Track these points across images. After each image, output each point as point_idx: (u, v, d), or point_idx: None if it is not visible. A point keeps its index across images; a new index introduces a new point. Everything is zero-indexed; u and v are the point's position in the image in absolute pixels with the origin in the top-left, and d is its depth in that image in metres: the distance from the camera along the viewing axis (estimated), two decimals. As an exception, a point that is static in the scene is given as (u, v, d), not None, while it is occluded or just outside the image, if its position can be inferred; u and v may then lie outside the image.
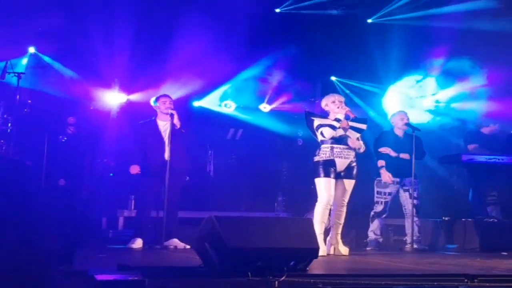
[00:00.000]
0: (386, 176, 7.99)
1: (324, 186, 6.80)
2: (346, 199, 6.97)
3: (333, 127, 6.81)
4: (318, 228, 6.60)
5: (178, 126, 7.29)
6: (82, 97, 9.27)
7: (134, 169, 7.35)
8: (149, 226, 7.70)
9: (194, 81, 9.98)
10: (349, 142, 6.93)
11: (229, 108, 10.93)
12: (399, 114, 8.40)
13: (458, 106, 10.63)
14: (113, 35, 9.19)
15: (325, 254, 6.65)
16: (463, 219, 8.45)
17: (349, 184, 6.96)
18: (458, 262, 6.16)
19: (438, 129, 10.33)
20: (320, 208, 6.79)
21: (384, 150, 8.09)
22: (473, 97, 10.39)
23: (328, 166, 6.82)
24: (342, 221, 6.99)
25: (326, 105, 7.06)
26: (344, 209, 6.97)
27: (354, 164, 6.97)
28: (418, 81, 10.71)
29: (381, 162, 8.08)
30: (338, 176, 6.89)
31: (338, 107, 6.90)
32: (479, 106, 10.17)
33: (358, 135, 7.00)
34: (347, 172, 6.94)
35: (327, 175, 6.80)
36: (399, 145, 8.14)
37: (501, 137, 9.12)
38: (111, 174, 7.46)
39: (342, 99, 7.07)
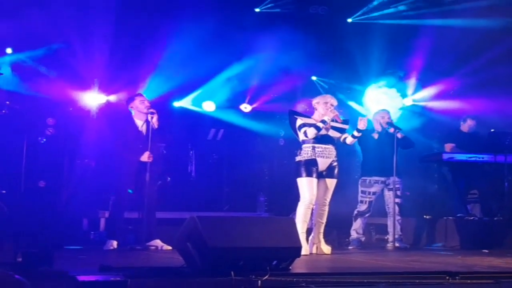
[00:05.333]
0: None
1: (306, 186, 6.81)
2: (328, 198, 6.98)
3: (317, 128, 6.82)
4: (300, 227, 6.61)
5: (156, 126, 7.24)
6: (61, 98, 9.17)
7: (145, 156, 7.26)
8: (128, 227, 7.64)
9: (174, 81, 9.94)
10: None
11: (209, 108, 10.88)
12: (380, 113, 8.42)
13: (435, 105, 10.70)
14: (92, 36, 9.11)
15: (307, 253, 6.66)
16: (444, 218, 8.51)
17: (331, 183, 6.97)
18: (440, 260, 6.20)
19: (417, 128, 10.36)
20: (303, 207, 6.81)
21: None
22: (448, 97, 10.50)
23: (310, 166, 6.84)
24: (324, 220, 7.00)
25: (318, 103, 7.05)
26: (326, 208, 6.99)
27: (335, 163, 6.99)
28: (396, 81, 10.74)
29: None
30: (320, 176, 6.91)
31: (327, 109, 6.91)
32: (455, 105, 10.27)
33: (339, 135, 7.03)
34: (329, 172, 6.96)
35: (309, 174, 6.82)
36: (380, 143, 8.15)
37: (481, 135, 9.18)
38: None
39: (335, 103, 7.03)
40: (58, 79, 9.01)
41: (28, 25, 8.71)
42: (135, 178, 7.28)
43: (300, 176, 6.86)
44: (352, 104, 10.79)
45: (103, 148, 7.87)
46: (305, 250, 6.42)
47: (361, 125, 6.97)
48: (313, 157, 6.86)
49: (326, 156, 6.91)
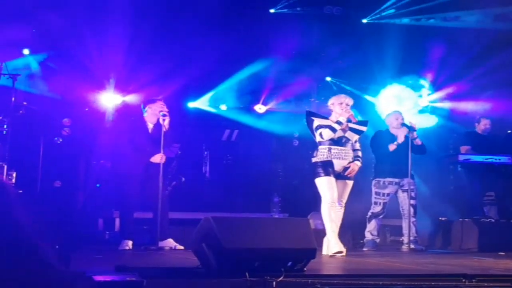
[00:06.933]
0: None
1: (326, 185, 6.74)
2: (344, 200, 6.94)
3: (333, 129, 6.77)
4: (330, 227, 6.67)
5: (167, 128, 7.30)
6: (78, 98, 9.23)
7: (157, 158, 7.31)
8: (143, 227, 7.67)
9: (189, 81, 9.96)
10: (350, 172, 6.89)
11: (224, 109, 10.90)
12: (394, 114, 8.40)
13: (451, 106, 10.66)
14: (108, 36, 9.15)
15: (342, 249, 6.62)
16: (460, 219, 8.46)
17: (348, 184, 6.93)
18: (456, 262, 6.17)
19: (433, 129, 10.33)
20: (326, 207, 6.74)
21: (392, 147, 8.03)
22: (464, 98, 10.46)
23: (327, 167, 6.77)
24: (339, 221, 6.96)
25: (333, 103, 7.01)
26: (342, 210, 6.94)
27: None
28: (412, 82, 10.71)
29: (391, 146, 8.07)
30: (337, 177, 6.84)
31: (342, 110, 6.87)
32: (471, 106, 10.23)
33: (357, 136, 6.97)
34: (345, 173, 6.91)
35: (327, 174, 6.75)
36: (395, 145, 8.12)
37: (498, 136, 9.14)
38: (98, 185, 7.46)
39: (351, 102, 6.98)
40: (74, 80, 9.06)
41: (45, 26, 8.77)
42: (144, 179, 7.32)
43: (318, 176, 6.78)
44: (368, 97, 10.74)
45: (117, 148, 7.91)
46: (339, 247, 6.54)
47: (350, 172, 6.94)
48: (329, 159, 6.80)
49: (342, 158, 6.85)
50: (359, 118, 7.39)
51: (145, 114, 7.55)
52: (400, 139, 8.00)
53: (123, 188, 7.47)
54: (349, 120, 6.88)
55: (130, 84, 9.64)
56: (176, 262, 5.78)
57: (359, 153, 7.03)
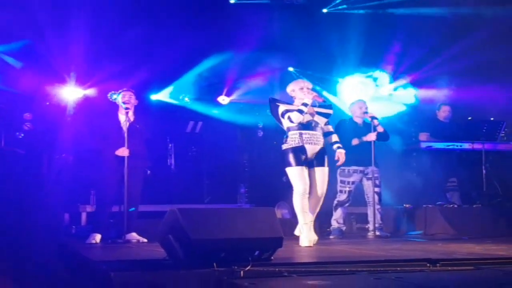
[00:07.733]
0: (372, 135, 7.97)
1: (297, 175, 6.51)
2: (324, 189, 6.68)
3: (301, 112, 6.54)
4: (302, 219, 6.46)
5: (132, 120, 7.24)
6: (38, 92, 9.09)
7: (120, 151, 7.22)
8: (110, 221, 7.62)
9: (151, 74, 9.88)
10: (341, 162, 6.89)
11: (187, 101, 10.86)
12: (358, 102, 8.45)
13: (413, 93, 10.79)
14: (68, 29, 9.02)
15: (311, 244, 6.44)
16: (424, 206, 8.57)
17: (324, 172, 6.69)
18: (420, 247, 6.24)
19: (395, 117, 10.44)
20: (298, 198, 6.49)
21: (355, 142, 8.09)
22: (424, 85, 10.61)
23: (298, 153, 6.54)
24: (317, 209, 6.73)
25: (293, 90, 6.82)
26: (321, 200, 6.69)
27: (324, 150, 6.74)
28: (375, 71, 10.82)
29: (354, 141, 8.08)
30: (311, 165, 6.64)
31: (305, 93, 6.66)
32: (433, 93, 10.38)
33: (325, 120, 6.82)
34: (319, 160, 6.68)
35: (298, 163, 6.50)
36: (359, 133, 8.17)
37: (459, 123, 9.27)
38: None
39: (310, 85, 6.82)
40: (34, 73, 8.92)
41: (2, 18, 8.60)
42: (116, 173, 7.27)
43: (289, 165, 6.54)
44: (326, 94, 10.80)
45: (81, 142, 7.82)
46: (308, 242, 6.38)
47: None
48: (301, 144, 6.56)
49: (314, 143, 6.62)
50: (324, 97, 7.33)
51: (119, 107, 7.48)
52: (367, 138, 8.02)
53: (101, 182, 7.40)
54: (314, 104, 6.72)
55: (92, 78, 9.53)
56: (143, 255, 5.74)
57: (337, 138, 6.94)
